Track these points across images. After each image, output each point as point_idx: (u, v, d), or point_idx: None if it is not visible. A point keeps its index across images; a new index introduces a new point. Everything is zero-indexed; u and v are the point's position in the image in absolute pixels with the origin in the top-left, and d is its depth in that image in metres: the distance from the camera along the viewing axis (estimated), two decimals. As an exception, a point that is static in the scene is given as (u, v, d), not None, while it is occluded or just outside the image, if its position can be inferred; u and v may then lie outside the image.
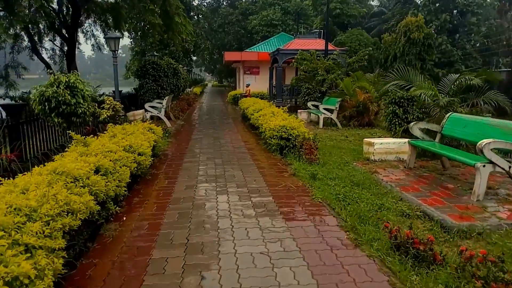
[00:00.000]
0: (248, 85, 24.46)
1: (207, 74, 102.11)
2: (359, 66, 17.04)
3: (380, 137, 9.53)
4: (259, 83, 30.76)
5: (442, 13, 30.06)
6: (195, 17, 47.58)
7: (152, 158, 7.31)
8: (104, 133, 6.53)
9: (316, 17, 42.12)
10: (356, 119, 12.96)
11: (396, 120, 8.51)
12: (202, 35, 44.20)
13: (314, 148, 7.64)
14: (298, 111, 15.68)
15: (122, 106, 10.25)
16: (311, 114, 15.09)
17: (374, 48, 26.53)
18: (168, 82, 15.95)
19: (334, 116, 13.08)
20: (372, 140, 7.86)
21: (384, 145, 7.56)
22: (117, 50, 10.64)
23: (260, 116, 10.86)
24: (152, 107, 13.18)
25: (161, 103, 12.92)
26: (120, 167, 4.74)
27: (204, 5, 49.73)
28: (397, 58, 23.81)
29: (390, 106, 8.65)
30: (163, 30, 17.65)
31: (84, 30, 20.60)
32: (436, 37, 26.42)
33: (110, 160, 4.64)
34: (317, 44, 19.82)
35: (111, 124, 10.25)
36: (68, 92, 6.41)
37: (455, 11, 30.76)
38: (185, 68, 38.56)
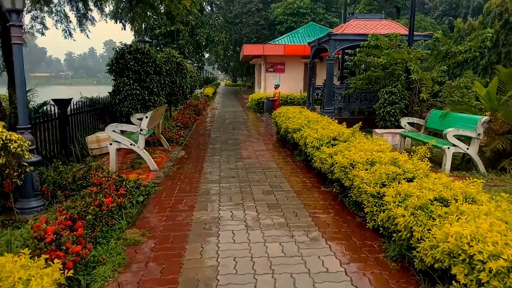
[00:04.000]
0: (277, 86, 18.28)
1: (220, 73, 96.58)
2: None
3: None
4: (284, 83, 24.61)
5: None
6: (208, 7, 41.56)
7: None
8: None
9: (350, 5, 35.68)
10: (516, 157, 6.60)
11: None
12: (216, 27, 38.17)
13: None
14: (375, 131, 9.35)
15: (29, 142, 4.12)
16: (406, 137, 8.77)
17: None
18: (162, 82, 9.80)
19: (473, 150, 6.71)
20: None
21: None
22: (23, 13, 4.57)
23: (355, 164, 4.67)
24: (123, 132, 7.01)
25: (143, 123, 6.69)
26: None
27: (218, -6, 43.59)
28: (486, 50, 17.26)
29: None
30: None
31: (55, 10, 14.65)
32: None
33: None
34: (385, 26, 13.49)
35: None
36: None
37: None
38: (195, 65, 32.56)
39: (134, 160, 7.20)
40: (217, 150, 8.69)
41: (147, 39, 11.80)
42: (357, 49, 11.62)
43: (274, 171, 6.71)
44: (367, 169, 4.48)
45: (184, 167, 6.91)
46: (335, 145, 6.06)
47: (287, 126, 8.72)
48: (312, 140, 6.50)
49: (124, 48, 9.19)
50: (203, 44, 35.58)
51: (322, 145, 6.21)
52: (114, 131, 6.49)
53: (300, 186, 5.74)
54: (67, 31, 14.31)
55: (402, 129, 9.08)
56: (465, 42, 10.25)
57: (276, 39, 29.36)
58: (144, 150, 6.56)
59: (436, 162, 7.54)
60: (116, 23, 35.92)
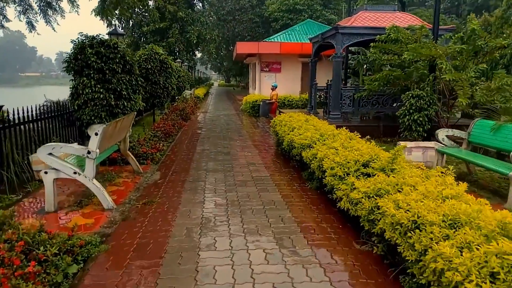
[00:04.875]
0: (274, 88, 16.43)
1: (213, 73, 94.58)
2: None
3: None
4: (281, 84, 22.76)
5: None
6: (200, 4, 39.56)
7: None
8: None
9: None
10: None
11: None
12: (208, 24, 36.22)
13: None
14: (401, 144, 7.46)
15: None
16: (443, 153, 6.90)
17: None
18: (135, 83, 7.85)
19: (553, 179, 4.87)
20: None
21: None
22: None
23: (423, 223, 2.76)
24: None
25: (91, 143, 4.70)
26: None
27: (210, -10, 41.52)
28: None
29: None
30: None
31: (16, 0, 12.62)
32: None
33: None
34: (400, 19, 11.68)
35: None
36: None
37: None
38: (185, 64, 30.58)
39: (86, 190, 5.25)
40: (203, 172, 6.75)
41: (120, 30, 9.82)
42: (372, 44, 9.78)
43: (280, 208, 4.80)
44: (447, 236, 2.60)
45: (154, 202, 4.96)
46: (368, 175, 4.20)
47: (291, 139, 6.84)
48: (333, 166, 4.61)
49: (85, 40, 7.25)
50: (194, 42, 33.61)
51: (348, 174, 4.34)
52: (51, 154, 4.53)
53: (322, 241, 3.84)
54: (30, 23, 12.27)
55: (433, 141, 7.26)
56: (504, 35, 8.44)
57: (271, 37, 27.49)
58: (94, 181, 4.61)
59: (489, 190, 5.71)
60: (102, 19, 33.83)
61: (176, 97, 19.35)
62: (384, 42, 9.61)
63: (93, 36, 7.37)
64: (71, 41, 7.44)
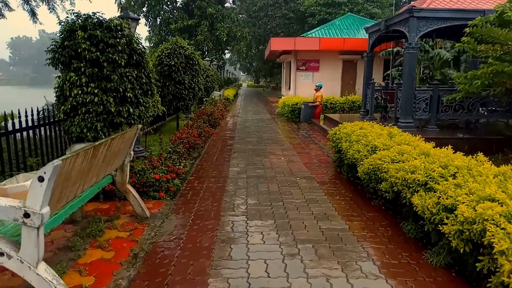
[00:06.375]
0: (318, 88, 13.96)
1: (242, 73, 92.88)
2: None
3: None
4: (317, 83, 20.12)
5: None
6: (230, 0, 37.53)
7: None
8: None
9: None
10: None
11: None
12: (239, 21, 34.10)
13: None
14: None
15: None
16: None
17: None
18: (144, 82, 5.61)
19: None
20: None
21: None
22: None
23: None
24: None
25: (32, 195, 2.47)
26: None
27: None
28: None
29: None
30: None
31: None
32: None
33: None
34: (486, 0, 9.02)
35: None
36: None
37: None
38: (214, 63, 28.55)
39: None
40: (242, 217, 4.38)
41: (133, 15, 7.65)
42: (467, 29, 7.15)
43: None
44: None
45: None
46: None
47: (377, 166, 4.42)
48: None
49: (76, 20, 5.10)
50: (224, 40, 31.57)
51: None
52: (-43, 215, 2.30)
53: None
54: (32, 12, 10.36)
55: None
56: None
57: (308, 33, 24.99)
58: (40, 268, 2.34)
59: None
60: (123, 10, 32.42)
61: (204, 99, 17.26)
62: (478, 27, 7.00)
63: (88, 14, 5.21)
64: (58, 23, 5.32)
